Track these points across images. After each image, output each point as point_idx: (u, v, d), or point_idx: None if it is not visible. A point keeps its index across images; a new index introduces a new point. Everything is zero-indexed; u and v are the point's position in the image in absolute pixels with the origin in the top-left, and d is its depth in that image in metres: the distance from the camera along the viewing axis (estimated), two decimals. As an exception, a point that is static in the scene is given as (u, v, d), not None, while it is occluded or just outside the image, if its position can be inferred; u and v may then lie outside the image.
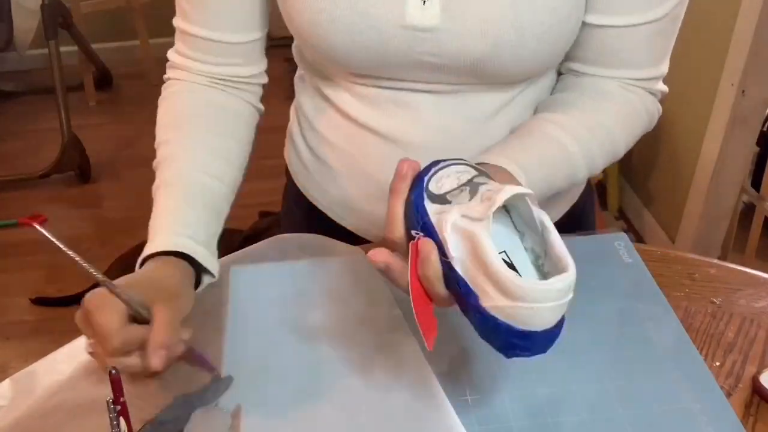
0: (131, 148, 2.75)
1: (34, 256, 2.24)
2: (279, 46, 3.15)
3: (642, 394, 0.67)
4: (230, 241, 0.83)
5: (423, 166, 0.63)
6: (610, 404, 0.66)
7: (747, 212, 2.00)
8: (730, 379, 0.69)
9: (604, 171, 2.29)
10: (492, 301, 0.53)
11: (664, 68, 0.79)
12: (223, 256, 0.83)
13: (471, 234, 0.54)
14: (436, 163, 0.62)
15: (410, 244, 0.58)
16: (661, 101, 0.82)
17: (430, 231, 0.57)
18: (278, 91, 3.15)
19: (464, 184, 0.59)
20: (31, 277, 2.17)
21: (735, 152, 1.84)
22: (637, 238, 2.24)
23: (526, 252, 0.59)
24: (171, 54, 0.85)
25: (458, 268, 0.55)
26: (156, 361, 0.59)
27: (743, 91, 1.74)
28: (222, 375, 0.69)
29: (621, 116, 0.76)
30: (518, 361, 0.70)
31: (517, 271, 0.57)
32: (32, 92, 3.08)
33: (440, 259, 0.56)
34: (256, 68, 0.85)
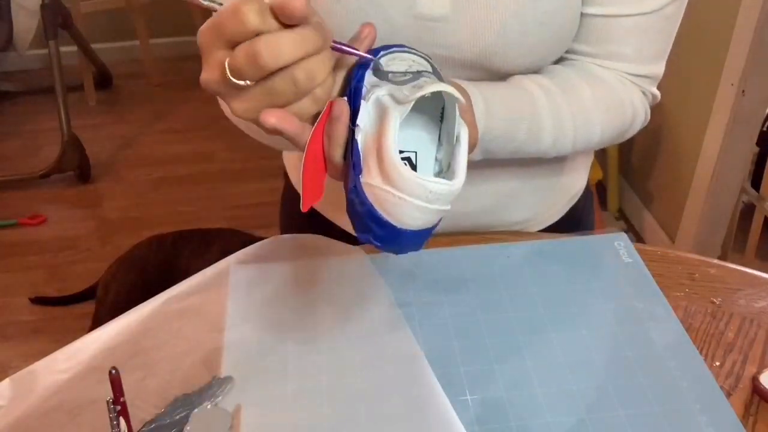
0: (131, 148, 2.75)
1: (34, 256, 2.24)
2: (279, 46, 3.02)
3: (642, 394, 0.67)
4: (231, 242, 0.83)
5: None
6: (610, 404, 0.66)
7: (747, 212, 2.00)
8: (730, 379, 0.69)
9: (604, 171, 2.29)
10: (370, 178, 0.52)
11: (658, 70, 0.78)
12: (223, 257, 0.84)
13: (385, 111, 0.53)
14: (401, 45, 0.62)
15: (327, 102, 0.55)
16: (653, 108, 0.81)
17: (355, 96, 0.56)
18: (278, 91, 3.08)
19: (411, 73, 0.58)
20: (31, 277, 2.17)
21: (735, 152, 1.84)
22: (637, 238, 2.24)
23: (435, 162, 0.58)
24: None
25: (358, 138, 0.54)
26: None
27: (743, 91, 1.74)
28: (222, 375, 0.69)
29: (602, 101, 0.75)
30: (518, 361, 0.71)
31: (416, 157, 0.56)
32: (32, 92, 3.08)
33: (349, 126, 0.55)
34: None
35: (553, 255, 0.84)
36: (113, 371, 0.57)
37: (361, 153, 0.54)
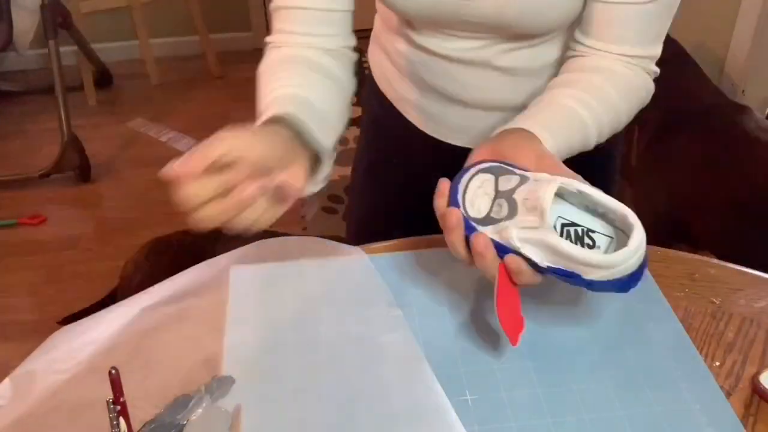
0: (131, 148, 2.75)
1: (34, 256, 2.24)
2: (279, 46, 3.01)
3: (642, 394, 0.67)
4: (232, 243, 0.83)
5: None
6: (610, 404, 0.66)
7: (747, 212, 1.99)
8: (729, 379, 0.69)
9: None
10: (593, 274, 0.63)
11: (657, 51, 0.84)
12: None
13: (540, 240, 0.63)
14: (455, 189, 0.69)
15: (499, 266, 0.66)
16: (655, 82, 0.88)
17: (501, 249, 0.66)
18: (278, 91, 3.07)
19: (494, 198, 0.67)
20: (31, 277, 2.17)
21: (735, 152, 1.84)
22: (637, 238, 2.24)
23: (576, 207, 0.67)
24: (269, 38, 0.86)
25: (548, 265, 0.64)
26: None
27: (743, 91, 1.74)
28: (222, 375, 0.69)
29: (623, 90, 0.82)
30: (518, 361, 0.71)
31: (581, 227, 0.67)
32: (32, 92, 3.08)
33: (540, 271, 0.65)
34: (350, 41, 0.87)
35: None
36: (113, 371, 0.57)
37: (563, 268, 0.64)
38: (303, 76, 0.80)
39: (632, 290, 0.64)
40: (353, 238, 1.16)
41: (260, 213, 0.63)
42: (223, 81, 3.09)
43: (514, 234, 0.64)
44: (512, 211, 0.65)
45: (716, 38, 1.79)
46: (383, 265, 0.82)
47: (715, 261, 0.84)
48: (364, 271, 0.81)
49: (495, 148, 0.72)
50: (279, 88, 0.77)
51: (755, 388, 0.67)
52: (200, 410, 0.65)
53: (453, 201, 0.69)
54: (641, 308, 0.77)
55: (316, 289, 0.79)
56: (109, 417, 0.57)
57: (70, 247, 2.28)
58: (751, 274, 0.82)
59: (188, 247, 1.44)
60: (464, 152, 0.74)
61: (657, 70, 0.85)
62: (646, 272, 0.80)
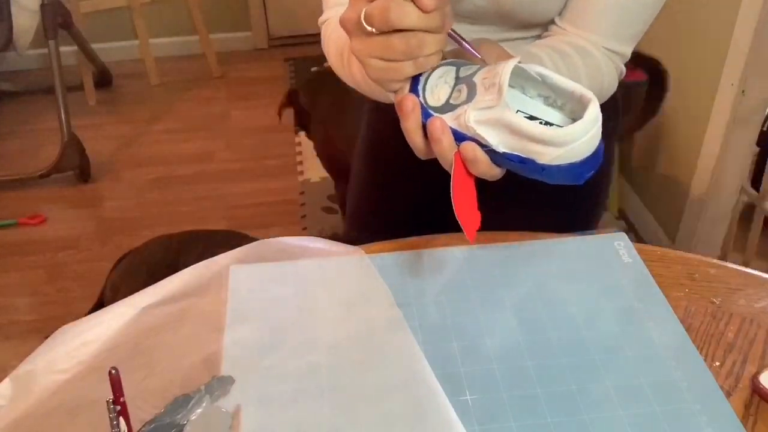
0: (131, 148, 2.75)
1: (34, 256, 2.24)
2: (279, 46, 3.16)
3: (642, 393, 0.67)
4: (239, 245, 0.83)
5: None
6: (610, 404, 0.66)
7: (747, 212, 2.00)
8: (729, 379, 0.69)
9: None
10: (548, 156, 0.61)
11: (628, 51, 0.84)
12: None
13: (497, 119, 0.62)
14: (415, 80, 0.67)
15: (454, 156, 0.65)
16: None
17: (458, 136, 0.64)
18: (278, 91, 3.14)
19: (455, 84, 0.66)
20: (31, 277, 2.17)
21: (735, 152, 1.84)
22: (637, 238, 2.24)
23: (535, 99, 0.66)
24: (325, 14, 0.87)
25: (504, 150, 0.63)
26: None
27: (743, 91, 1.74)
28: (222, 375, 0.69)
29: (590, 67, 0.81)
30: (518, 361, 0.71)
31: (539, 120, 0.64)
32: (32, 92, 3.08)
33: (490, 155, 0.64)
34: None
35: (553, 255, 0.84)
36: (113, 371, 0.57)
37: (518, 153, 0.63)
38: None
39: (585, 178, 0.63)
40: (351, 218, 1.19)
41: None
42: (223, 81, 3.10)
43: (471, 116, 0.63)
44: (471, 94, 0.64)
45: (716, 38, 1.79)
46: (383, 265, 0.82)
47: (715, 261, 0.84)
48: (364, 271, 0.81)
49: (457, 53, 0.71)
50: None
51: (755, 388, 0.67)
52: (200, 410, 0.65)
53: (413, 90, 0.67)
54: (641, 308, 0.77)
55: (316, 289, 0.79)
56: (109, 417, 0.57)
57: (70, 247, 2.28)
58: (751, 274, 0.82)
59: (162, 263, 1.45)
60: None
61: (624, 70, 0.86)
62: (641, 270, 0.81)
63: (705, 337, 0.74)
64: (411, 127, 0.67)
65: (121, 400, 0.57)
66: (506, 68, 0.61)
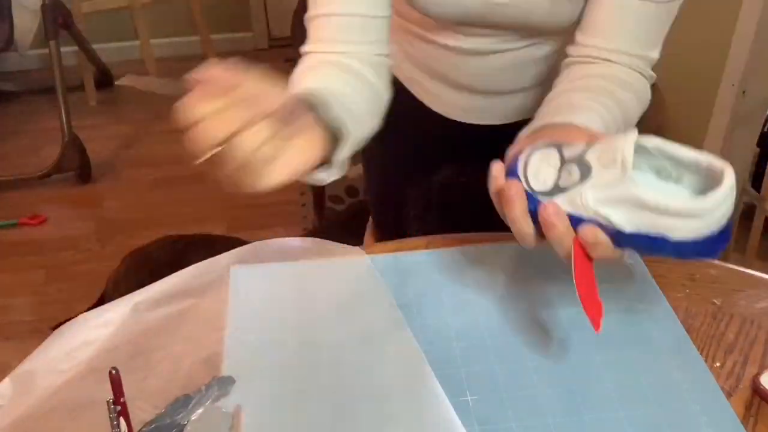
0: (131, 148, 2.75)
1: (34, 256, 2.24)
2: (279, 46, 3.17)
3: (642, 394, 0.67)
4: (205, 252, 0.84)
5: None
6: (610, 404, 0.66)
7: (747, 213, 2.00)
8: (730, 380, 0.69)
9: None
10: (682, 231, 0.57)
11: (655, 54, 0.84)
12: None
13: (623, 196, 0.58)
14: (513, 166, 0.65)
15: (573, 241, 0.61)
16: (653, 108, 0.88)
17: (574, 220, 0.61)
18: (278, 92, 3.07)
19: (561, 167, 0.62)
20: (31, 277, 2.17)
21: (735, 153, 1.84)
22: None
23: (646, 173, 0.62)
24: (305, 48, 0.85)
25: (631, 230, 0.59)
26: None
27: (744, 92, 1.74)
28: (222, 375, 0.69)
29: (630, 92, 0.81)
30: (518, 362, 0.70)
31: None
32: (32, 92, 3.08)
33: (607, 233, 0.60)
34: (386, 49, 0.86)
35: (553, 255, 0.84)
36: (113, 371, 0.57)
37: (648, 233, 0.59)
38: (334, 76, 0.79)
39: (719, 251, 0.59)
40: (374, 197, 1.26)
41: (263, 139, 0.55)
42: (223, 81, 3.09)
43: (589, 197, 0.59)
44: (585, 173, 0.60)
45: (717, 39, 1.79)
46: (383, 265, 0.82)
47: (716, 262, 0.84)
48: (364, 271, 0.81)
49: (540, 136, 0.69)
50: (305, 83, 0.75)
51: (756, 389, 0.67)
52: (200, 410, 0.65)
53: (511, 176, 0.64)
54: (641, 309, 0.77)
55: (317, 289, 0.79)
56: (110, 417, 0.57)
57: (70, 247, 2.28)
58: (752, 274, 0.82)
59: (164, 264, 1.45)
60: (472, 126, 0.85)
61: (654, 75, 0.86)
62: (641, 270, 0.81)
63: (705, 337, 0.74)
64: (518, 214, 0.63)
65: (122, 400, 0.57)
66: (628, 142, 0.58)
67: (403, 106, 1.10)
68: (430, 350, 0.71)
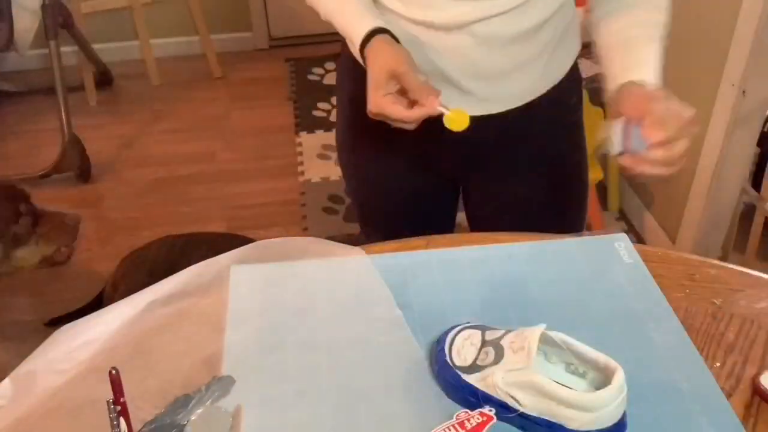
0: (131, 148, 2.74)
1: (34, 256, 2.23)
2: (279, 46, 3.17)
3: (642, 394, 0.67)
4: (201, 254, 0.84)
5: None
6: (610, 405, 0.66)
7: (747, 213, 2.00)
8: (730, 380, 0.69)
9: (605, 171, 2.29)
10: (577, 422, 0.62)
11: None
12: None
13: (527, 382, 0.63)
14: (441, 341, 0.70)
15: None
16: None
17: (482, 398, 0.65)
18: (278, 91, 3.13)
19: (481, 346, 0.68)
20: (31, 277, 2.17)
21: (735, 153, 1.84)
22: (638, 238, 2.24)
23: (557, 366, 0.67)
24: None
25: (534, 413, 0.64)
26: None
27: (744, 92, 1.74)
28: (222, 375, 0.69)
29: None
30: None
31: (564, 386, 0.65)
32: (32, 92, 3.07)
33: (507, 417, 0.65)
34: None
35: (553, 255, 0.84)
36: (113, 371, 0.56)
37: (548, 418, 0.64)
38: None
39: None
40: (358, 215, 1.20)
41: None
42: (223, 81, 3.09)
43: (499, 378, 0.64)
44: (498, 356, 0.66)
45: (717, 38, 1.79)
46: (383, 265, 0.82)
47: (716, 262, 0.84)
48: (364, 271, 0.81)
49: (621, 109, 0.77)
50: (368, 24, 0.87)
51: (756, 388, 0.67)
52: (200, 410, 0.65)
53: (439, 350, 0.69)
54: (641, 309, 0.76)
55: (317, 289, 0.79)
56: (110, 417, 0.57)
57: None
58: (752, 274, 0.82)
59: (163, 264, 1.45)
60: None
61: None
62: (641, 270, 0.81)
63: (705, 337, 0.74)
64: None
65: (122, 400, 0.57)
66: (534, 334, 0.64)
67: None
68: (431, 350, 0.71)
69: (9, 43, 2.79)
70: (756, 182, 1.99)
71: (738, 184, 1.91)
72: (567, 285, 0.79)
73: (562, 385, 0.64)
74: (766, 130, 1.99)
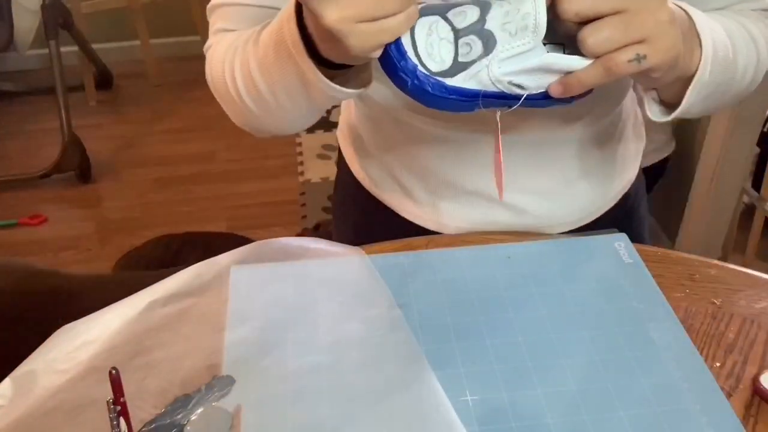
0: (131, 148, 2.75)
1: (34, 256, 2.24)
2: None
3: (642, 394, 0.67)
4: (233, 248, 0.83)
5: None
6: (610, 404, 0.66)
7: (747, 213, 2.00)
8: (730, 380, 0.69)
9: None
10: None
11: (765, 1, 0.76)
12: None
13: (539, 65, 0.54)
14: (396, 46, 0.56)
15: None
16: None
17: (484, 95, 0.56)
18: (278, 92, 3.06)
19: (457, 37, 0.56)
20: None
21: (735, 153, 1.84)
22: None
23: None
24: (207, 43, 0.82)
25: (537, 92, 0.56)
26: None
27: (744, 92, 1.73)
28: (222, 375, 0.69)
29: (761, 24, 0.74)
30: (518, 362, 0.70)
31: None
32: (32, 92, 3.08)
33: (506, 105, 0.57)
34: None
35: (553, 255, 0.84)
36: (113, 371, 0.56)
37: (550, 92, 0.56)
38: None
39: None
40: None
41: None
42: (223, 81, 3.09)
43: (498, 70, 0.54)
44: (489, 45, 0.55)
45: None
46: (383, 265, 0.82)
47: (716, 262, 0.84)
48: (364, 271, 0.81)
49: None
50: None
51: (756, 389, 0.67)
52: (200, 410, 0.65)
53: (401, 60, 0.55)
54: (641, 308, 0.76)
55: (316, 289, 0.79)
56: (109, 417, 0.57)
57: (70, 247, 2.28)
58: (752, 274, 0.82)
59: (160, 264, 1.45)
60: None
61: None
62: (641, 270, 0.81)
63: (705, 337, 0.74)
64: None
65: (121, 400, 0.57)
66: (539, 4, 0.53)
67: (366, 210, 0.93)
68: (430, 350, 0.71)
69: (9, 43, 2.79)
70: (756, 182, 2.00)
71: (738, 184, 1.91)
72: (567, 284, 0.79)
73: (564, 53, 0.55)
74: (766, 130, 1.99)
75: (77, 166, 2.55)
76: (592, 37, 0.54)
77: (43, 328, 0.74)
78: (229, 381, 0.68)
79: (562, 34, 0.56)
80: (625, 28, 0.54)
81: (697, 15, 0.65)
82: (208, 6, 0.80)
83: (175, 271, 0.80)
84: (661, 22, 0.56)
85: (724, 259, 1.99)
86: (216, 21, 0.80)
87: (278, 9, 0.69)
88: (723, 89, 0.71)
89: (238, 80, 0.74)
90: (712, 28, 0.66)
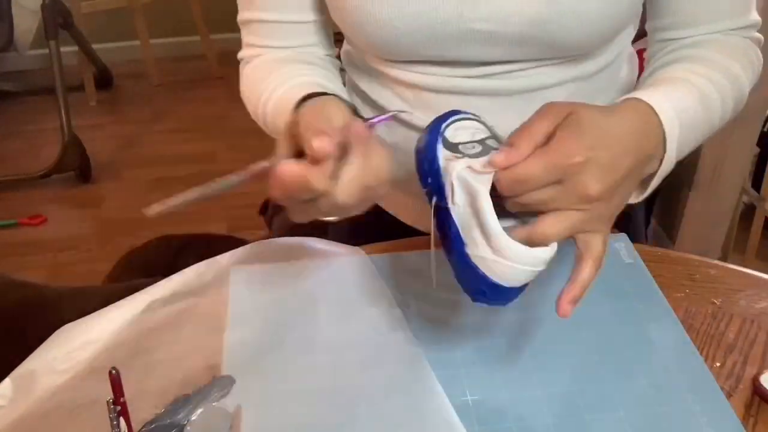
0: (131, 148, 2.75)
1: (34, 256, 2.24)
2: (279, 46, 3.00)
3: (642, 394, 0.67)
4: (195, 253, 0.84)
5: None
6: (610, 404, 0.66)
7: (747, 213, 2.00)
8: (730, 380, 0.69)
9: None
10: (478, 251, 0.57)
11: (754, 18, 0.77)
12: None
13: (473, 189, 0.57)
14: (455, 112, 0.65)
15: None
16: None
17: (436, 173, 0.61)
18: (278, 92, 3.05)
19: (477, 142, 0.61)
20: (31, 277, 2.17)
21: (735, 153, 1.84)
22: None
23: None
24: (242, 52, 0.85)
25: (454, 215, 0.59)
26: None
27: (743, 92, 1.73)
28: (222, 375, 0.69)
29: (730, 52, 0.74)
30: (518, 362, 0.70)
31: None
32: (32, 92, 3.08)
33: (438, 204, 0.60)
34: (331, 49, 0.84)
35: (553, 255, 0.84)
36: (113, 371, 0.56)
37: (459, 228, 0.58)
38: (309, 68, 0.77)
39: (493, 300, 0.59)
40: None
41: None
42: (223, 81, 3.09)
43: (458, 166, 0.58)
44: (482, 153, 0.59)
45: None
46: (383, 265, 0.82)
47: (716, 261, 0.84)
48: (364, 271, 0.81)
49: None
50: (292, 78, 0.73)
51: (756, 389, 0.67)
52: (200, 410, 0.65)
53: (435, 125, 0.63)
54: (641, 308, 0.77)
55: (317, 289, 0.79)
56: (109, 417, 0.57)
57: (70, 247, 2.28)
58: (752, 274, 0.82)
59: (160, 265, 1.45)
60: None
61: (761, 37, 0.78)
62: (641, 271, 0.81)
63: (705, 337, 0.74)
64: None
65: (121, 400, 0.57)
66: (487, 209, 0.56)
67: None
68: (430, 350, 0.71)
69: (9, 43, 2.80)
70: (756, 182, 2.00)
71: (738, 184, 1.91)
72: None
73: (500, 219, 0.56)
74: (766, 130, 1.99)
75: (77, 166, 2.55)
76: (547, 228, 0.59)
77: (11, 338, 0.74)
78: (229, 381, 0.68)
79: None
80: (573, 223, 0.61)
81: (658, 103, 0.65)
82: (238, 18, 0.83)
83: (156, 281, 0.80)
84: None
85: (724, 259, 1.99)
86: (246, 35, 0.84)
87: (304, 22, 0.78)
88: (699, 140, 0.75)
89: (263, 123, 0.81)
90: (676, 108, 0.66)
